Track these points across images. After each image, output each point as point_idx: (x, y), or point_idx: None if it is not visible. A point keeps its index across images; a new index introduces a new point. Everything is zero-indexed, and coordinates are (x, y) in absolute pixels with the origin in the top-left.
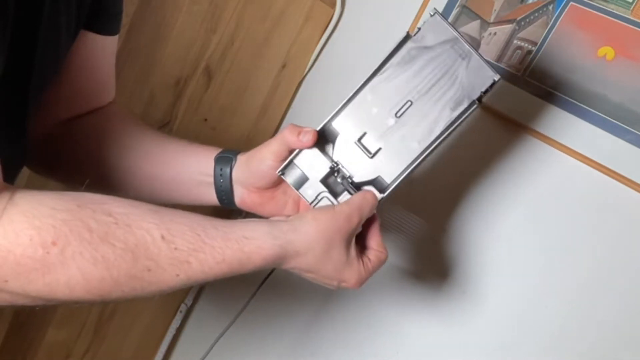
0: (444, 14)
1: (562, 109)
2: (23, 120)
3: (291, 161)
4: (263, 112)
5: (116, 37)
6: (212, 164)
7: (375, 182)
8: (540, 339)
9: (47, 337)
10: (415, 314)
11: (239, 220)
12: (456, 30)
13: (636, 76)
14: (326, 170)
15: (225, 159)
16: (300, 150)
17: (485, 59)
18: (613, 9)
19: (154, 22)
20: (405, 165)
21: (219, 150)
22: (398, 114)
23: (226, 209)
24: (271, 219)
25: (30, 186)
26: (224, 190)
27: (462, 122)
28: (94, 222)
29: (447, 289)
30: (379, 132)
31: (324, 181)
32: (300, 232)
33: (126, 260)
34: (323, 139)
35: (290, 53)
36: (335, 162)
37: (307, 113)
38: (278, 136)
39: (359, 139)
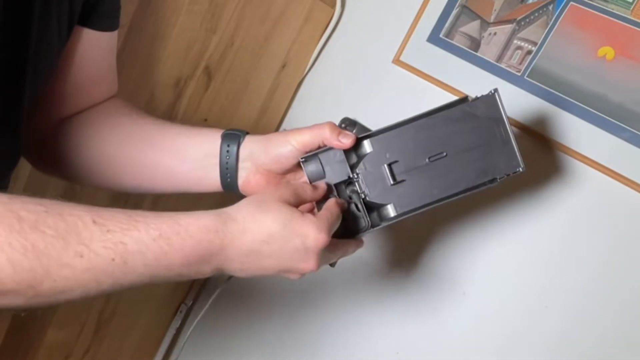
0: (444, 14)
1: (562, 109)
2: (18, 119)
3: (317, 154)
4: (263, 112)
5: (114, 32)
6: (217, 142)
7: (381, 208)
8: (541, 339)
9: (47, 337)
10: (415, 314)
11: None
12: (506, 114)
13: (636, 76)
14: (344, 177)
15: (233, 136)
16: (329, 149)
17: (518, 149)
18: (613, 9)
19: (154, 22)
20: (416, 205)
21: (223, 130)
22: (431, 159)
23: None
24: None
25: (30, 186)
26: (229, 169)
27: (478, 190)
28: (25, 212)
29: (448, 290)
30: (409, 166)
31: (337, 186)
32: (233, 206)
33: (57, 247)
34: (353, 150)
35: (290, 53)
36: (356, 174)
37: (307, 113)
38: (314, 128)
39: (390, 164)
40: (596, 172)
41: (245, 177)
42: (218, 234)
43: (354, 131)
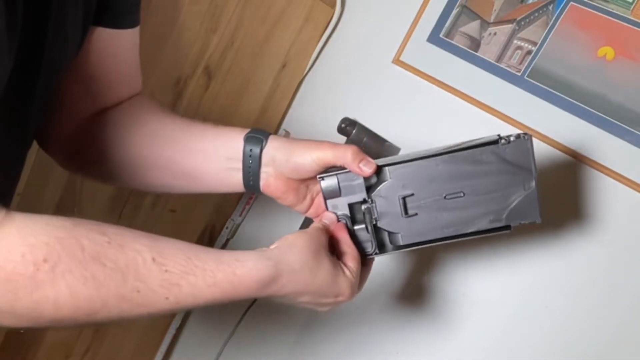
0: (444, 14)
1: (562, 109)
2: (27, 118)
3: (336, 175)
4: (263, 112)
5: (135, 29)
6: (240, 145)
7: (392, 236)
8: (541, 339)
9: (47, 337)
10: (415, 315)
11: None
12: (534, 164)
13: (636, 76)
14: (359, 199)
15: (255, 140)
16: (349, 170)
17: (539, 202)
18: (613, 9)
19: (154, 22)
20: (424, 239)
21: (247, 130)
22: (447, 197)
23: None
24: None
25: (30, 186)
26: (252, 172)
27: (490, 235)
28: (87, 241)
29: (448, 290)
30: (423, 201)
31: (351, 206)
32: (291, 251)
33: (115, 280)
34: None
35: (290, 53)
36: (371, 199)
37: (307, 113)
38: (337, 149)
39: (404, 197)
40: (596, 171)
41: (266, 179)
42: (270, 286)
43: (354, 131)
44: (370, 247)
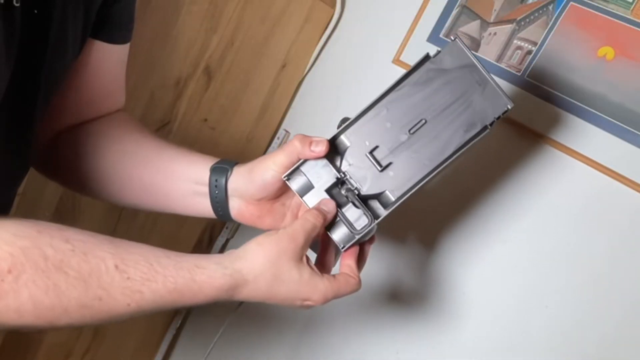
0: (444, 14)
1: (562, 109)
2: (28, 132)
3: (297, 168)
4: (263, 112)
5: (126, 45)
6: (208, 173)
7: (380, 197)
8: (541, 339)
9: (47, 337)
10: (415, 314)
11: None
12: (474, 57)
13: (636, 76)
14: (332, 180)
15: (220, 170)
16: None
17: (500, 87)
18: (613, 9)
19: (154, 22)
20: (412, 183)
21: (216, 160)
22: (412, 131)
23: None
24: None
25: (29, 190)
26: (219, 202)
27: (473, 144)
28: (51, 249)
29: (447, 290)
30: (392, 147)
31: (329, 191)
32: (247, 259)
33: (78, 289)
34: (332, 149)
35: (290, 53)
36: (343, 173)
37: (307, 113)
38: (286, 147)
39: (371, 152)
40: (596, 172)
41: (237, 208)
42: (228, 293)
43: None
44: (366, 219)
